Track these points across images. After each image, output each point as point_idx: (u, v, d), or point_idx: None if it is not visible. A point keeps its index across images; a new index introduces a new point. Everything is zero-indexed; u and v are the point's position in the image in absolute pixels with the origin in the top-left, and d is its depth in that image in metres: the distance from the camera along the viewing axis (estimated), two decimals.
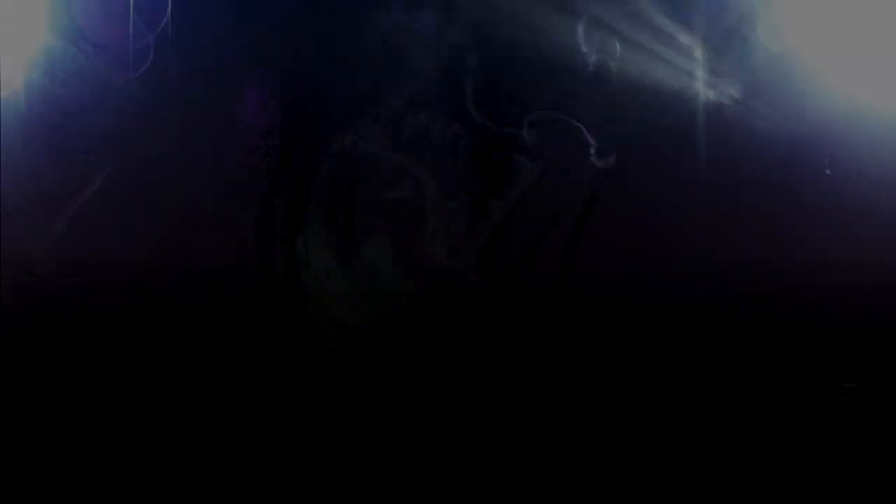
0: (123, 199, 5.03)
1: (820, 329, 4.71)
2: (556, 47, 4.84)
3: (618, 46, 4.82)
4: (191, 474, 4.57)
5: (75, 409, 4.72)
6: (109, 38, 4.91)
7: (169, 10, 4.91)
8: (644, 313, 4.78)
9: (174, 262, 4.98)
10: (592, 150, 4.83)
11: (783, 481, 4.38)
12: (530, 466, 4.52)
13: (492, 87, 4.96)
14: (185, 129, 4.96)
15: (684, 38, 4.85)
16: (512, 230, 4.98)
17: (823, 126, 4.78)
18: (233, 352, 4.85)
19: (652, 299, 4.79)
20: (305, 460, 4.61)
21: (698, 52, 4.86)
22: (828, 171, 4.74)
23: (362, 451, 4.63)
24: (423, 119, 4.95)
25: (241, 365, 4.84)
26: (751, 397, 4.64)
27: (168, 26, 4.90)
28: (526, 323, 4.87)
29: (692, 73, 4.86)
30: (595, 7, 4.84)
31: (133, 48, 4.93)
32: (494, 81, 4.95)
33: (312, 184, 5.07)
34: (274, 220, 5.06)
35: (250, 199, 5.07)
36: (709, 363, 4.70)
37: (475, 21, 4.89)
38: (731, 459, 4.48)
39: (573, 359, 4.74)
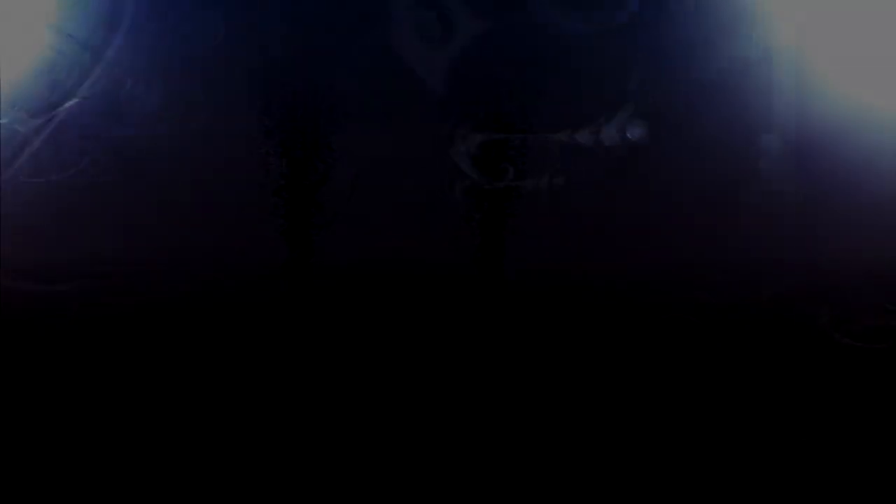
0: (124, 199, 5.04)
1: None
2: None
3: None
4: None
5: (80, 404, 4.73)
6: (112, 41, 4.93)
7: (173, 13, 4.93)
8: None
9: (175, 259, 4.99)
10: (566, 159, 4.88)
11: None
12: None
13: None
14: (186, 130, 4.96)
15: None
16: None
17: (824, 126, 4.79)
18: (227, 341, 4.87)
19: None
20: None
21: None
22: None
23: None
24: (421, 121, 4.97)
25: (236, 353, 4.86)
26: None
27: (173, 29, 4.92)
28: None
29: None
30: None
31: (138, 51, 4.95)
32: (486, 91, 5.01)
33: (312, 183, 5.09)
34: (275, 217, 5.08)
35: (251, 198, 5.08)
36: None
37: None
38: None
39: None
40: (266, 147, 5.09)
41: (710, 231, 4.88)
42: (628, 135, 4.74)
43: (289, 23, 5.00)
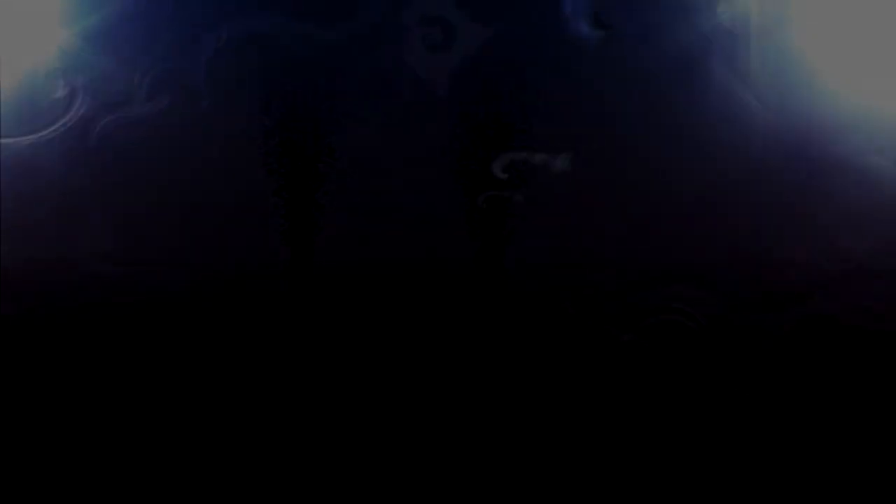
0: (124, 199, 5.05)
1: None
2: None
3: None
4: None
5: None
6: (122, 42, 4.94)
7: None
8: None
9: (175, 259, 5.00)
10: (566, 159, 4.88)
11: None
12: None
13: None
14: (192, 132, 4.98)
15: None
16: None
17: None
18: (227, 340, 4.88)
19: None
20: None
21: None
22: None
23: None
24: (416, 122, 4.98)
25: (237, 352, 4.87)
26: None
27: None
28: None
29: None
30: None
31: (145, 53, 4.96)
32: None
33: (311, 183, 5.09)
34: (275, 217, 5.09)
35: (251, 198, 5.09)
36: None
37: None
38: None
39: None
40: (266, 147, 5.09)
41: (709, 231, 4.87)
42: (551, 165, 4.79)
43: (290, 24, 5.00)
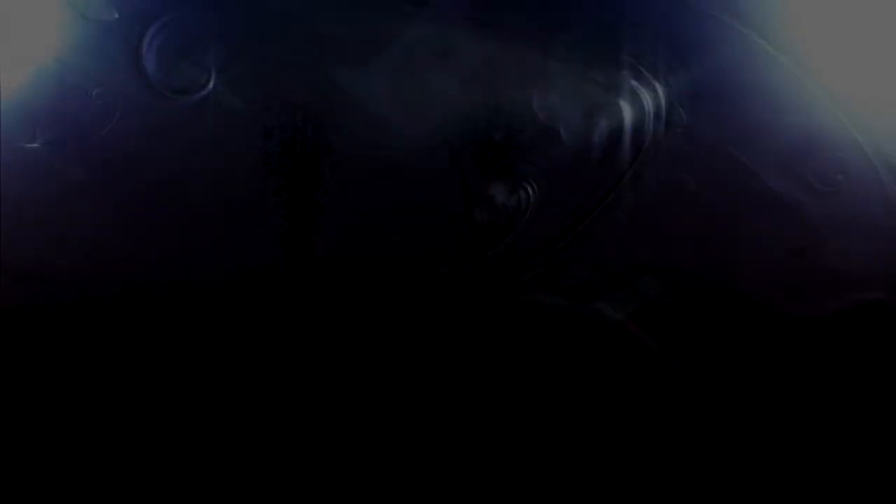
0: (123, 199, 5.05)
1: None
2: None
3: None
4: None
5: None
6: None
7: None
8: None
9: (174, 259, 5.00)
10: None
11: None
12: None
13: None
14: (192, 132, 4.97)
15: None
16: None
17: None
18: (226, 341, 4.89)
19: None
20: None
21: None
22: None
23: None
24: (420, 123, 4.99)
25: (235, 353, 4.88)
26: None
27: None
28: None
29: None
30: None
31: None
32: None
33: (312, 184, 5.09)
34: (275, 217, 5.08)
35: (251, 198, 5.09)
36: None
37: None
38: None
39: None
40: (266, 147, 5.08)
41: (709, 231, 4.89)
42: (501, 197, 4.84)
43: (290, 24, 5.01)
